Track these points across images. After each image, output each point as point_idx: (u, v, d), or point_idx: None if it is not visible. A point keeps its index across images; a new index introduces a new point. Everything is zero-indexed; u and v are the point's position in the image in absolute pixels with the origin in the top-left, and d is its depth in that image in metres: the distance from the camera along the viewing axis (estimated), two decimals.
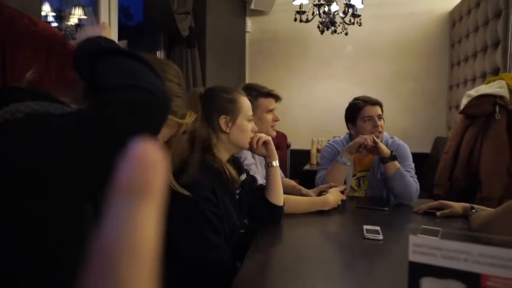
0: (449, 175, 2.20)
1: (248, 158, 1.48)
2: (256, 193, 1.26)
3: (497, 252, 0.41)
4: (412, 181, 1.59)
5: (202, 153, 1.06)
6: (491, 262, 0.41)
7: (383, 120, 1.76)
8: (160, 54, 2.55)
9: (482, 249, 0.41)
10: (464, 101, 2.27)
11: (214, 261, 0.98)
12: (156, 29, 2.53)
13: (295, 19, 2.65)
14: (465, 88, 2.90)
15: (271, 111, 1.54)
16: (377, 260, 1.00)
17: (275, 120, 1.56)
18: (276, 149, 1.28)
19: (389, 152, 1.60)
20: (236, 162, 1.25)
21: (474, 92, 2.20)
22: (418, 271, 0.45)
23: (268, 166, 1.24)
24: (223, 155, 1.13)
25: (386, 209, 1.48)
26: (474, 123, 2.12)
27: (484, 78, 2.59)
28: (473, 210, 1.26)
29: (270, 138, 1.24)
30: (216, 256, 0.98)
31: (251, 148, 1.22)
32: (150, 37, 2.71)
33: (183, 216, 0.97)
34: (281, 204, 1.24)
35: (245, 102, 1.17)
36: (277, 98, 1.57)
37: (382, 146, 1.61)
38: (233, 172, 1.10)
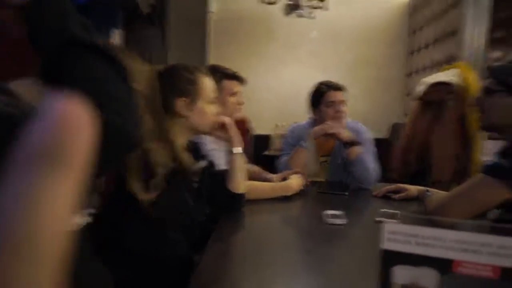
0: (403, 159, 2.29)
1: (208, 143, 1.43)
2: (217, 180, 1.21)
3: (469, 238, 0.40)
4: (373, 165, 1.63)
5: (153, 137, 0.97)
6: (463, 248, 0.40)
7: (346, 105, 1.77)
8: (118, 32, 2.39)
9: (456, 235, 0.40)
10: (420, 88, 2.36)
11: (173, 255, 0.93)
12: (113, 6, 2.36)
13: (261, 1, 2.58)
14: (422, 75, 3.01)
15: (235, 94, 1.49)
16: (339, 245, 1.01)
17: (240, 103, 1.51)
18: (239, 134, 1.23)
19: (352, 137, 1.62)
20: (195, 148, 1.19)
21: (430, 79, 2.28)
22: (391, 259, 0.43)
23: (230, 152, 1.20)
24: (179, 140, 1.05)
25: (346, 193, 1.50)
26: (429, 110, 2.21)
27: (440, 66, 2.69)
28: (428, 193, 1.30)
29: (231, 122, 1.19)
30: (174, 251, 0.93)
31: (211, 133, 1.16)
32: (106, 14, 2.52)
33: (132, 210, 0.90)
34: (241, 191, 1.21)
35: (208, 83, 1.09)
36: (242, 80, 1.52)
37: (347, 131, 1.63)
38: (187, 159, 1.03)
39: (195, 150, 1.17)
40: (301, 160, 1.65)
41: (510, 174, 0.95)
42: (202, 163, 1.16)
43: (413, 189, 1.43)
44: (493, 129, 1.19)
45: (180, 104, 1.03)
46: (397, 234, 0.44)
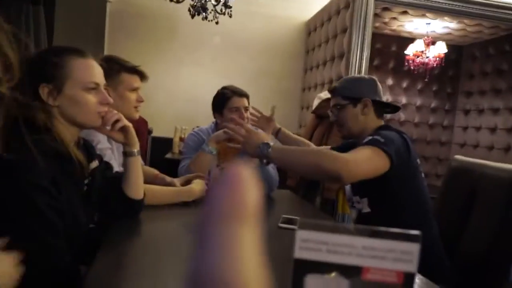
0: None
1: (102, 142, 1.28)
2: (110, 183, 1.08)
3: (377, 244, 0.41)
4: (273, 173, 1.68)
5: (33, 132, 0.82)
6: (372, 254, 0.41)
7: (249, 112, 1.80)
8: None
9: (365, 242, 0.41)
10: (315, 102, 2.56)
11: (51, 267, 0.78)
12: None
13: None
14: (316, 91, 3.28)
15: (135, 89, 1.36)
16: None
17: (139, 100, 1.38)
18: (136, 135, 1.12)
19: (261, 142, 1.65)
20: (86, 146, 1.04)
21: (324, 95, 2.49)
22: (303, 268, 0.42)
23: (126, 154, 1.08)
24: (65, 134, 0.89)
25: None
26: (322, 123, 2.41)
27: (330, 83, 2.97)
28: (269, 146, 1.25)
29: (129, 123, 1.07)
30: (53, 261, 0.79)
31: (103, 126, 1.01)
32: None
33: (6, 211, 0.74)
34: (140, 197, 1.10)
35: (80, 65, 0.91)
36: (143, 76, 1.40)
37: (256, 137, 1.65)
38: (81, 158, 0.90)
39: (86, 149, 1.02)
40: (203, 165, 1.61)
41: (386, 145, 1.15)
42: (94, 164, 1.02)
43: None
44: (352, 136, 1.41)
45: (43, 91, 0.87)
46: (309, 242, 0.43)
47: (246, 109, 1.76)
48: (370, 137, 1.21)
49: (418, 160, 1.30)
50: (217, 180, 0.18)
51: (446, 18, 3.27)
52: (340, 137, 1.46)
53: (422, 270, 0.79)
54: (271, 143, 1.22)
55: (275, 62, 3.74)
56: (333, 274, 0.41)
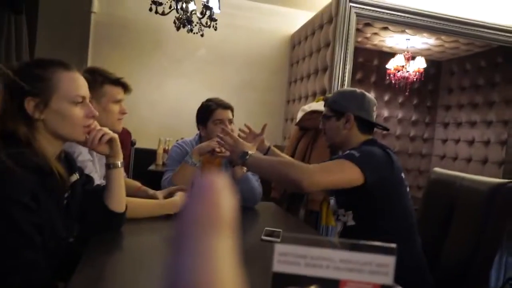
0: None
1: (83, 154, 1.25)
2: (91, 196, 1.06)
3: (354, 257, 0.41)
4: (257, 185, 1.68)
5: (14, 146, 0.81)
6: (349, 267, 0.41)
7: (234, 124, 1.80)
8: None
9: (342, 255, 0.41)
10: (299, 115, 2.58)
11: (26, 283, 0.76)
12: None
13: (150, 9, 2.47)
14: (300, 103, 3.32)
15: (118, 101, 1.35)
16: None
17: (123, 112, 1.37)
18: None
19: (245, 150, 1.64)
20: (68, 158, 1.02)
21: (307, 107, 2.53)
22: (282, 281, 0.42)
23: (110, 167, 1.06)
24: (47, 148, 0.88)
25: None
26: (306, 135, 2.43)
27: (314, 96, 3.02)
28: (247, 156, 1.30)
29: (116, 135, 1.06)
30: (29, 278, 0.76)
31: (88, 144, 1.00)
32: None
33: None
34: (122, 210, 1.08)
35: (66, 78, 0.91)
36: (126, 88, 1.39)
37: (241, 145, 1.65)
38: (62, 172, 0.88)
39: (67, 161, 1.00)
40: (186, 177, 1.59)
41: (360, 161, 1.19)
42: (74, 177, 1.00)
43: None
44: (334, 146, 1.47)
45: (29, 105, 0.86)
46: (287, 256, 0.43)
47: (230, 121, 1.77)
48: (348, 151, 1.26)
49: (403, 175, 1.31)
50: (191, 190, 0.18)
51: (424, 34, 3.39)
52: (326, 145, 1.54)
53: (404, 284, 0.80)
54: (251, 152, 1.29)
55: (260, 75, 3.77)
56: (312, 287, 0.42)
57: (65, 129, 0.91)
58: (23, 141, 0.83)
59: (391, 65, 3.94)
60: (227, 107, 1.78)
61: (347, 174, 1.19)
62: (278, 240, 1.09)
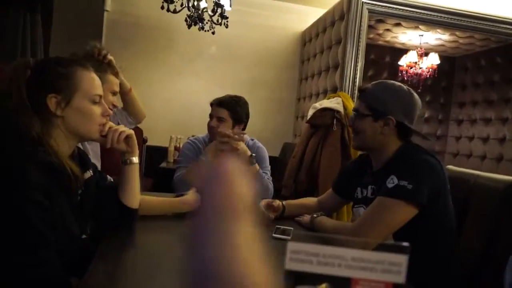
0: (294, 177, 2.44)
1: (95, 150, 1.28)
2: (105, 192, 1.08)
3: (366, 256, 0.41)
4: (268, 182, 1.68)
5: (29, 144, 0.83)
6: (361, 266, 0.41)
7: (224, 122, 1.72)
8: None
9: (354, 253, 0.41)
10: (310, 112, 2.57)
11: (40, 280, 0.78)
12: None
13: (162, 7, 2.49)
14: (310, 101, 3.30)
15: (115, 93, 1.35)
16: None
17: (115, 105, 1.36)
18: None
19: (248, 155, 1.65)
20: (81, 156, 1.04)
21: (318, 105, 2.51)
22: (294, 279, 0.43)
23: (127, 162, 1.08)
24: (63, 146, 0.90)
25: None
26: (317, 132, 2.42)
27: (325, 94, 3.00)
28: (315, 215, 1.31)
29: (132, 131, 1.07)
30: (42, 274, 0.78)
31: (108, 142, 1.02)
32: None
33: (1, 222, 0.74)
34: (136, 206, 1.10)
35: (86, 77, 0.93)
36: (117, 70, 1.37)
37: (244, 149, 1.65)
38: (76, 169, 0.90)
39: (81, 158, 1.02)
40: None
41: (415, 194, 1.03)
42: (88, 174, 1.02)
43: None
44: (364, 149, 1.28)
45: (51, 102, 0.88)
46: (300, 254, 0.43)
47: (220, 119, 1.73)
48: (395, 183, 1.05)
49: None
50: (210, 176, 0.19)
51: (438, 30, 3.33)
52: (353, 147, 1.31)
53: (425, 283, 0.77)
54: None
55: (270, 72, 3.77)
56: (323, 285, 0.42)
57: (84, 126, 0.93)
58: (38, 138, 0.85)
59: (404, 61, 3.89)
60: (218, 103, 1.76)
61: (402, 217, 1.04)
62: (289, 238, 1.09)
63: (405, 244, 0.39)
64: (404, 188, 1.03)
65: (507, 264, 1.08)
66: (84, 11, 3.22)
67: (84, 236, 1.02)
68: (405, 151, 1.17)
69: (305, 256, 0.42)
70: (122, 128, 1.03)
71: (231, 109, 1.76)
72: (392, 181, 1.06)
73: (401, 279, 0.37)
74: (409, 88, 1.21)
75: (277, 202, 1.40)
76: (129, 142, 1.06)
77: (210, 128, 1.71)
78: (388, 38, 3.87)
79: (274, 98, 3.79)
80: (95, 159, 1.39)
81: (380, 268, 0.38)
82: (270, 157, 1.90)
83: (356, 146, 1.27)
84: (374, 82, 1.25)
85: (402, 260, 0.37)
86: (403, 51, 3.98)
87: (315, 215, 1.31)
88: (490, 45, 3.78)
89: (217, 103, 1.76)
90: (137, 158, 1.08)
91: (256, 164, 1.66)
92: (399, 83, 1.22)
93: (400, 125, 1.16)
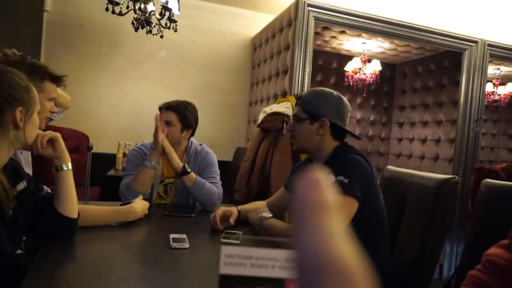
0: (247, 181, 2.46)
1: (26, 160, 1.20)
2: (41, 203, 1.02)
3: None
4: (214, 188, 1.67)
5: None
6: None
7: (171, 126, 1.72)
8: None
9: (288, 254, 0.43)
10: (260, 117, 2.61)
11: None
12: None
13: (107, 9, 2.39)
14: (262, 105, 3.35)
15: (52, 99, 1.27)
16: (184, 270, 0.97)
17: (52, 111, 1.29)
18: (75, 152, 1.07)
19: (180, 166, 1.62)
20: (15, 166, 0.97)
21: (269, 109, 2.56)
22: (229, 283, 0.43)
23: (57, 169, 1.02)
24: (2, 157, 0.86)
25: (192, 215, 1.49)
26: (268, 136, 2.46)
27: (275, 98, 3.06)
28: (263, 215, 1.34)
29: (57, 134, 1.02)
30: None
31: (34, 148, 0.98)
32: None
33: None
34: (74, 216, 1.04)
35: (35, 91, 0.94)
36: (62, 85, 1.30)
37: (175, 160, 1.62)
38: (7, 184, 0.84)
39: (14, 169, 0.95)
40: (145, 180, 1.56)
41: (350, 187, 1.11)
42: (21, 185, 0.95)
43: (235, 211, 1.41)
44: (304, 151, 1.36)
45: (18, 115, 0.87)
46: (234, 257, 0.44)
47: (168, 123, 1.71)
48: (332, 180, 1.12)
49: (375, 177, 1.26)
50: (301, 183, 0.21)
51: (379, 38, 3.54)
52: (294, 148, 1.38)
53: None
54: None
55: (222, 77, 3.77)
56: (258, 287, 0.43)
57: (33, 137, 0.95)
58: None
59: (349, 67, 4.09)
60: (167, 107, 1.73)
61: (349, 209, 1.11)
62: (237, 242, 1.10)
63: None
64: (341, 183, 1.12)
65: (445, 255, 1.17)
66: (21, 11, 3.00)
67: (19, 251, 0.95)
68: (338, 151, 1.27)
69: (239, 259, 0.42)
70: (46, 132, 1.00)
71: (180, 113, 1.73)
72: (330, 179, 1.13)
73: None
74: (339, 93, 1.31)
75: (232, 209, 1.40)
76: (55, 146, 1.02)
77: (155, 131, 1.66)
78: (334, 45, 4.05)
79: (227, 103, 3.79)
80: (27, 167, 1.30)
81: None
82: (223, 161, 1.90)
83: (296, 148, 1.35)
84: (309, 90, 1.38)
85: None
86: (348, 57, 4.18)
87: (263, 215, 1.31)
88: (425, 53, 4.10)
89: (166, 107, 1.73)
90: (68, 164, 1.03)
91: (192, 173, 1.63)
92: (329, 89, 1.32)
93: (334, 126, 1.26)
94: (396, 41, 3.64)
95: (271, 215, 1.32)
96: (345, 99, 1.31)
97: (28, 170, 1.29)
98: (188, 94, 3.56)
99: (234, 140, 3.75)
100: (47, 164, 1.04)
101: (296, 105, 1.33)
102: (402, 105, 4.63)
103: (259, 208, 1.44)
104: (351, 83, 4.13)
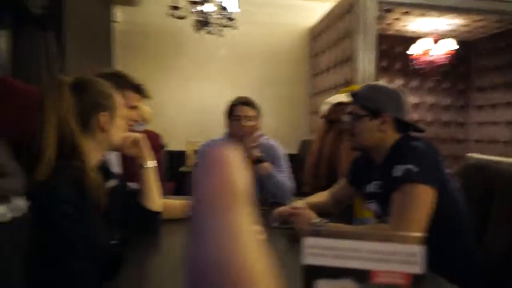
0: (314, 173, 2.43)
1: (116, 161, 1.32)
2: (129, 198, 1.12)
3: (382, 248, 0.42)
4: (286, 181, 1.68)
5: (65, 157, 0.87)
6: (378, 258, 0.42)
7: (256, 120, 1.77)
8: (2, 35, 2.07)
9: (370, 246, 0.42)
10: (323, 108, 2.56)
11: None
12: None
13: (169, 14, 2.53)
14: (324, 96, 3.28)
15: (134, 108, 1.35)
16: None
17: (135, 120, 1.34)
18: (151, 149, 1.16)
19: (257, 155, 1.65)
20: (105, 166, 1.08)
21: (332, 99, 2.49)
22: (312, 274, 0.43)
23: (141, 167, 1.12)
24: (95, 158, 0.97)
25: (265, 208, 1.52)
26: (333, 127, 2.40)
27: (338, 88, 2.97)
28: (322, 223, 1.19)
29: (139, 135, 1.11)
30: (77, 284, 0.81)
31: (121, 148, 1.08)
32: None
33: (34, 238, 0.78)
34: (158, 209, 1.13)
35: (118, 97, 1.04)
36: (144, 95, 1.38)
37: (254, 150, 1.66)
38: (98, 179, 0.94)
39: (105, 169, 1.06)
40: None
41: (423, 176, 1.05)
42: (112, 183, 1.06)
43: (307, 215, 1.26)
44: (363, 149, 1.30)
45: (103, 119, 0.97)
46: (316, 248, 0.44)
47: (249, 118, 1.74)
48: (402, 170, 1.07)
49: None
50: (202, 164, 0.17)
51: (450, 15, 3.25)
52: (352, 148, 1.33)
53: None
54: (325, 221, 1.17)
55: (281, 69, 3.76)
56: (343, 278, 0.42)
57: (117, 139, 1.03)
58: (75, 152, 0.89)
59: (416, 49, 3.81)
60: (245, 103, 1.77)
61: (427, 199, 1.04)
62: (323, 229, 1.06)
63: (420, 234, 0.39)
64: (411, 172, 1.05)
65: None
66: (94, 25, 3.30)
67: (113, 242, 1.06)
68: (401, 142, 1.20)
69: (322, 250, 0.42)
70: (128, 134, 1.09)
71: (256, 107, 1.78)
72: (398, 170, 1.08)
73: (418, 269, 0.37)
74: (395, 88, 1.25)
75: (300, 204, 1.36)
76: (139, 147, 1.11)
77: (240, 128, 1.69)
78: (398, 27, 3.81)
79: (287, 95, 3.78)
80: (117, 167, 1.43)
81: (397, 260, 0.39)
82: (288, 154, 1.90)
83: (355, 146, 1.30)
84: (363, 85, 1.32)
85: (417, 250, 0.37)
86: (415, 39, 3.90)
87: (317, 221, 1.17)
88: (506, 26, 3.66)
89: (243, 103, 1.76)
90: (150, 162, 1.12)
91: (267, 163, 1.66)
92: (382, 83, 1.28)
93: (396, 120, 1.20)
94: (469, 16, 3.31)
95: (327, 220, 1.18)
96: (400, 90, 1.26)
97: (118, 170, 1.42)
98: (248, 89, 3.61)
99: (297, 132, 3.73)
100: (134, 163, 1.14)
101: (352, 102, 1.27)
102: (481, 85, 4.20)
103: (305, 215, 1.24)
104: (419, 66, 3.86)
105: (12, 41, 2.03)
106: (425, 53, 3.77)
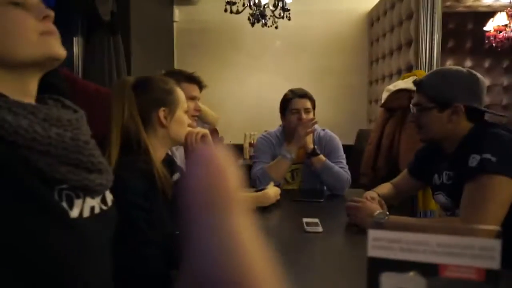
0: (372, 164, 2.36)
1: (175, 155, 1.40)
2: None
3: (453, 241, 0.40)
4: (342, 172, 1.65)
5: (132, 152, 0.95)
6: (448, 252, 0.40)
7: (314, 113, 1.78)
8: (77, 41, 2.29)
9: (439, 239, 0.41)
10: (383, 96, 2.45)
11: (147, 276, 0.89)
12: (72, 13, 2.26)
13: (226, 10, 2.58)
14: (383, 83, 3.13)
15: (193, 98, 1.42)
16: (320, 253, 1.00)
17: (197, 110, 1.44)
18: None
19: (311, 147, 1.65)
20: (170, 161, 1.16)
21: (392, 87, 2.38)
22: (377, 266, 0.43)
23: None
24: (159, 153, 1.04)
25: (321, 200, 1.52)
26: (393, 116, 2.30)
27: (399, 74, 2.82)
28: (381, 217, 1.18)
29: (206, 130, 1.17)
30: (149, 270, 0.89)
31: (190, 145, 1.14)
32: (65, 22, 2.41)
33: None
34: None
35: (181, 93, 1.09)
36: (201, 84, 1.46)
37: (307, 141, 1.66)
38: (167, 174, 1.01)
39: (170, 163, 1.14)
40: (281, 170, 1.66)
41: (502, 166, 0.98)
42: (175, 176, 1.13)
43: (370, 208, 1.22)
44: (433, 141, 1.22)
45: (161, 114, 1.02)
46: (382, 241, 0.44)
47: (307, 110, 1.74)
48: (478, 160, 0.99)
49: None
50: (193, 162, 0.16)
51: None
52: (419, 139, 1.26)
53: None
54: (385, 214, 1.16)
55: (338, 58, 3.66)
56: (412, 273, 0.42)
57: (181, 134, 1.08)
58: (142, 148, 0.97)
59: (491, 26, 3.46)
60: (302, 95, 1.76)
61: (504, 190, 0.97)
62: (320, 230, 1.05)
63: (496, 227, 0.38)
64: (488, 162, 0.97)
65: None
66: (157, 26, 3.49)
67: (177, 232, 1.13)
68: (479, 130, 1.09)
69: (387, 243, 0.42)
70: (197, 129, 1.14)
71: (312, 98, 1.78)
72: (474, 160, 1.01)
73: (495, 264, 0.36)
74: (469, 69, 1.12)
75: (373, 195, 1.32)
76: (206, 142, 1.15)
77: (299, 121, 1.70)
78: (469, 3, 3.49)
79: (344, 84, 3.67)
80: (181, 162, 1.52)
81: (470, 254, 0.37)
82: (345, 145, 1.86)
83: (423, 139, 1.23)
84: (429, 72, 1.21)
85: (494, 244, 0.35)
86: (489, 14, 3.53)
87: (378, 214, 1.15)
88: None
89: (301, 95, 1.77)
90: None
91: (321, 155, 1.65)
92: (456, 67, 1.15)
93: (469, 109, 1.09)
94: None
95: (387, 213, 1.17)
96: (478, 74, 1.12)
97: (182, 165, 1.51)
98: (305, 80, 3.57)
99: (355, 122, 3.61)
100: None
101: (417, 92, 1.18)
102: None
103: (367, 208, 1.21)
104: (494, 45, 3.50)
105: (84, 46, 2.23)
106: (503, 29, 3.40)
